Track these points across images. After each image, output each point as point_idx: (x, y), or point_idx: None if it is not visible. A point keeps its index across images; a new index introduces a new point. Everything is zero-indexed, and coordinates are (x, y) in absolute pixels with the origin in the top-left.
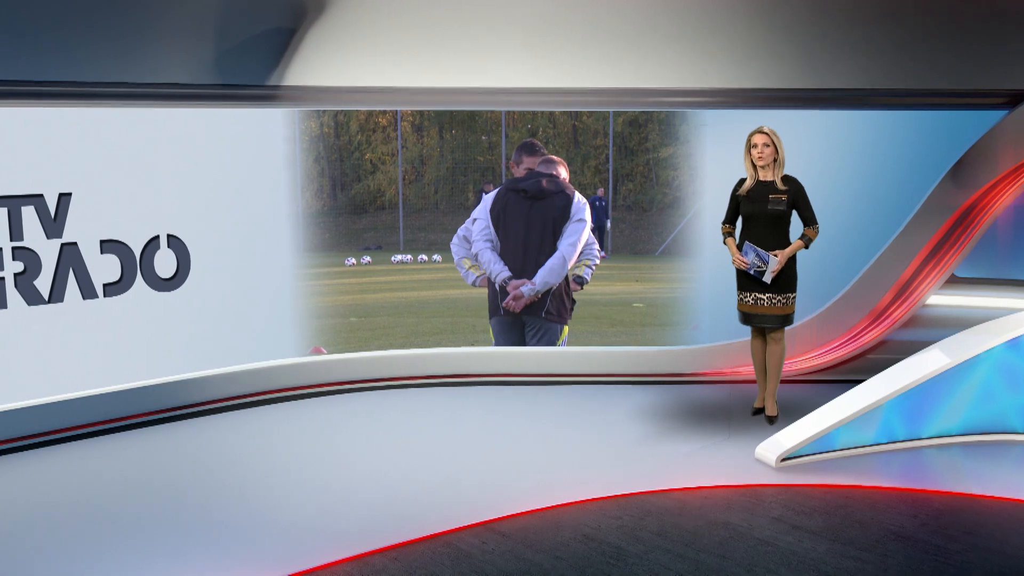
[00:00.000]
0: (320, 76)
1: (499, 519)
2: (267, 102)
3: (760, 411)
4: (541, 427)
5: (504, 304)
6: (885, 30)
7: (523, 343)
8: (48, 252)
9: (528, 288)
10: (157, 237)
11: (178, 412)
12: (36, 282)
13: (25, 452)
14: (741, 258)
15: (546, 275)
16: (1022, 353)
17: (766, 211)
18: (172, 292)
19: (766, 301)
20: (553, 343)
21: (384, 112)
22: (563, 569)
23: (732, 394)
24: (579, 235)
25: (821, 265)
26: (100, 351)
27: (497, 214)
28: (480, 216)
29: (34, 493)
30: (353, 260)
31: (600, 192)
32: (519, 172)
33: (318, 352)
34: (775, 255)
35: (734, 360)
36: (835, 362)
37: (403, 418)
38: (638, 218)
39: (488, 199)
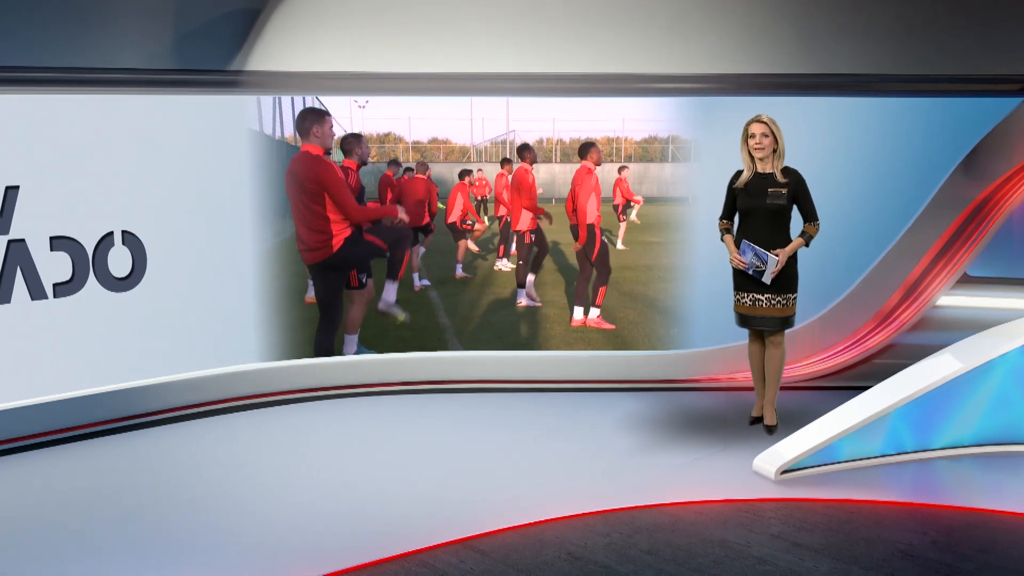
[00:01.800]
0: (285, 61)
1: (478, 536)
2: (229, 88)
3: (758, 420)
4: (523, 437)
5: None
6: (892, 10)
7: None
8: None
9: None
10: (111, 234)
11: (134, 421)
12: None
13: None
14: (739, 257)
15: None
16: None
17: (765, 205)
18: (127, 292)
19: (765, 302)
20: None
21: None
22: None
23: (728, 402)
24: None
25: (823, 264)
26: (49, 356)
27: None
28: None
29: None
30: None
31: None
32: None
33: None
34: (775, 255)
35: (730, 365)
36: (839, 367)
37: (376, 428)
38: None
39: None
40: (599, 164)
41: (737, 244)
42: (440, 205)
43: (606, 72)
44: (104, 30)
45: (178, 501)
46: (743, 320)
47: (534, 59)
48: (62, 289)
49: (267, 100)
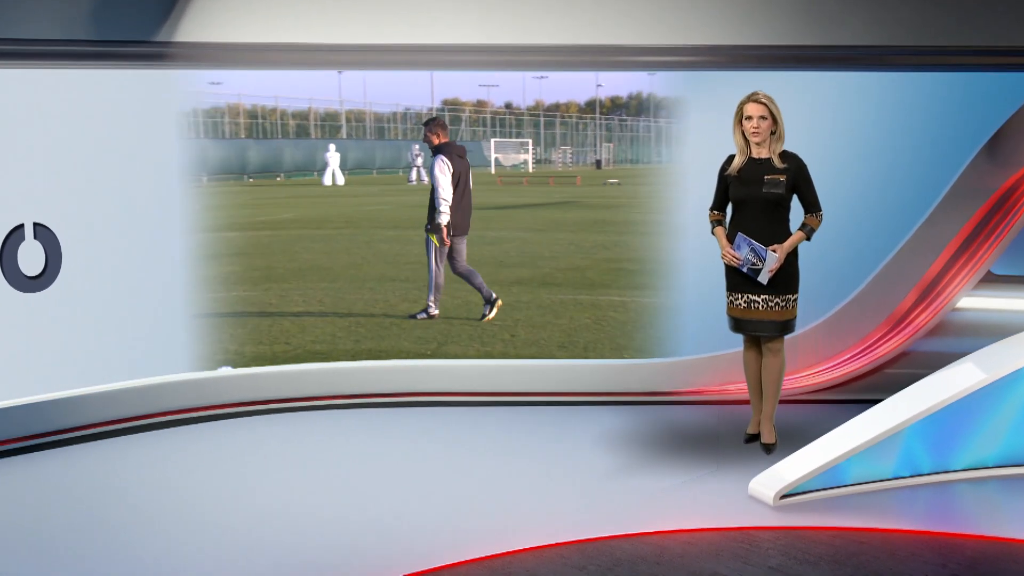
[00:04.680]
0: (219, 31)
1: (437, 569)
2: (155, 62)
3: (755, 437)
4: (489, 457)
5: None
6: None
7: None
8: None
9: None
10: (21, 226)
11: (45, 439)
12: None
13: None
14: (732, 252)
15: None
16: None
17: (761, 194)
18: (39, 292)
19: (761, 304)
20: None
21: None
22: None
23: (721, 417)
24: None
25: (828, 261)
26: None
27: None
28: None
29: None
30: None
31: None
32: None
33: None
34: (773, 250)
35: (723, 376)
36: (846, 378)
37: (322, 446)
38: None
39: None
40: None
41: (730, 238)
42: None
43: (585, 44)
44: None
45: (96, 530)
46: (737, 325)
47: (500, 28)
48: None
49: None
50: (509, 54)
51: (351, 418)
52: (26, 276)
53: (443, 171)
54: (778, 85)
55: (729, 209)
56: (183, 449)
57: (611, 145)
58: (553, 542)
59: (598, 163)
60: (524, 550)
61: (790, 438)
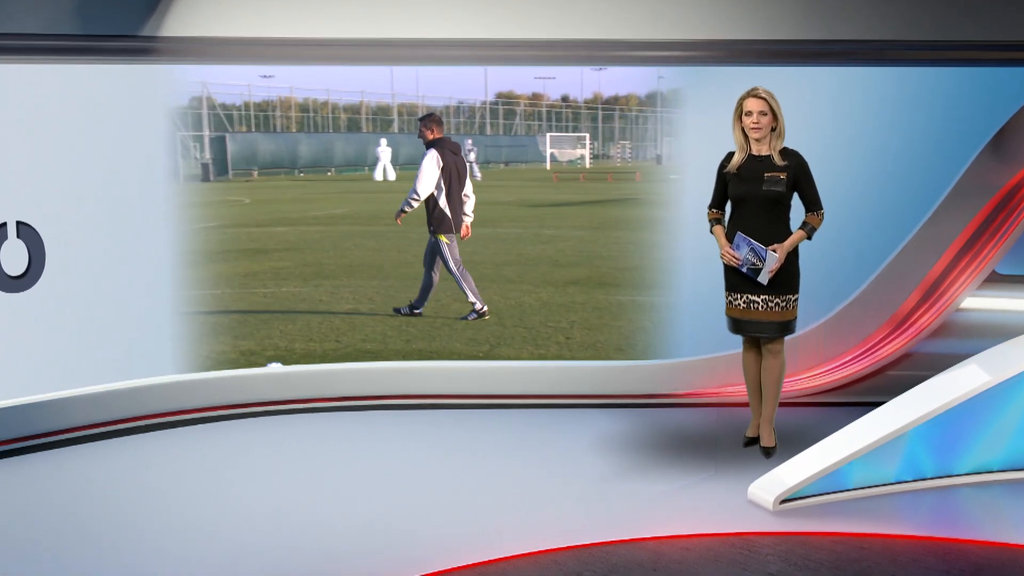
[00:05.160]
0: (205, 25)
1: (430, 575)
2: (141, 57)
3: (754, 441)
4: (482, 461)
5: None
6: None
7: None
8: None
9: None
10: (4, 225)
11: (30, 443)
12: None
13: None
14: (731, 252)
15: None
16: None
17: (760, 192)
18: (22, 293)
19: (761, 305)
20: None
21: None
22: None
23: (719, 420)
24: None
25: (829, 260)
26: None
27: None
28: None
29: None
30: None
31: None
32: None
33: None
34: (773, 250)
35: (722, 378)
36: (847, 380)
37: (312, 449)
38: None
39: None
40: None
41: (730, 237)
42: None
43: (581, 39)
44: None
45: (81, 535)
46: (736, 325)
47: (492, 22)
48: None
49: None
50: (505, 49)
51: (341, 421)
52: (9, 276)
53: (430, 166)
54: (778, 81)
55: (728, 207)
56: (170, 453)
57: (673, 139)
58: (548, 547)
59: (659, 158)
60: (519, 556)
61: (790, 441)
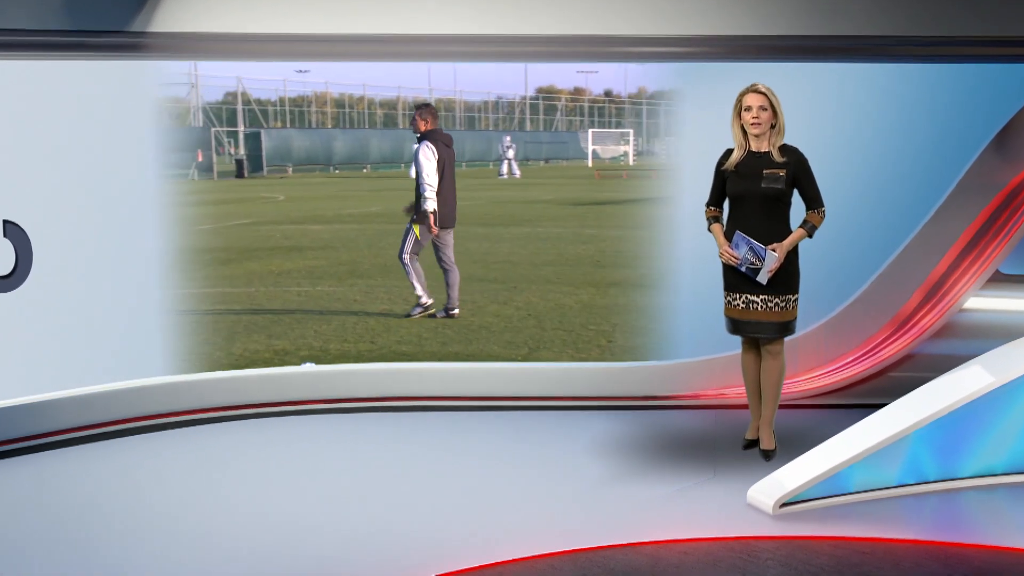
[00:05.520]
0: (195, 21)
1: None
2: (130, 52)
3: (754, 443)
4: (477, 464)
5: None
6: None
7: None
8: None
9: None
10: None
11: (16, 445)
12: None
13: None
14: (730, 251)
15: None
16: None
17: (759, 190)
18: (9, 293)
19: (760, 305)
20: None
21: None
22: None
23: (718, 422)
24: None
25: (830, 260)
26: None
27: None
28: None
29: None
30: None
31: None
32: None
33: None
34: (772, 249)
35: (720, 379)
36: (848, 382)
37: (305, 452)
38: None
39: None
40: None
41: (728, 235)
42: None
43: (577, 34)
44: None
45: (69, 540)
46: (735, 326)
47: (491, 18)
48: None
49: None
50: (500, 44)
51: (333, 423)
52: None
53: (427, 157)
54: (778, 77)
55: (727, 205)
56: (159, 456)
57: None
58: (544, 552)
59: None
60: (514, 560)
61: (790, 444)
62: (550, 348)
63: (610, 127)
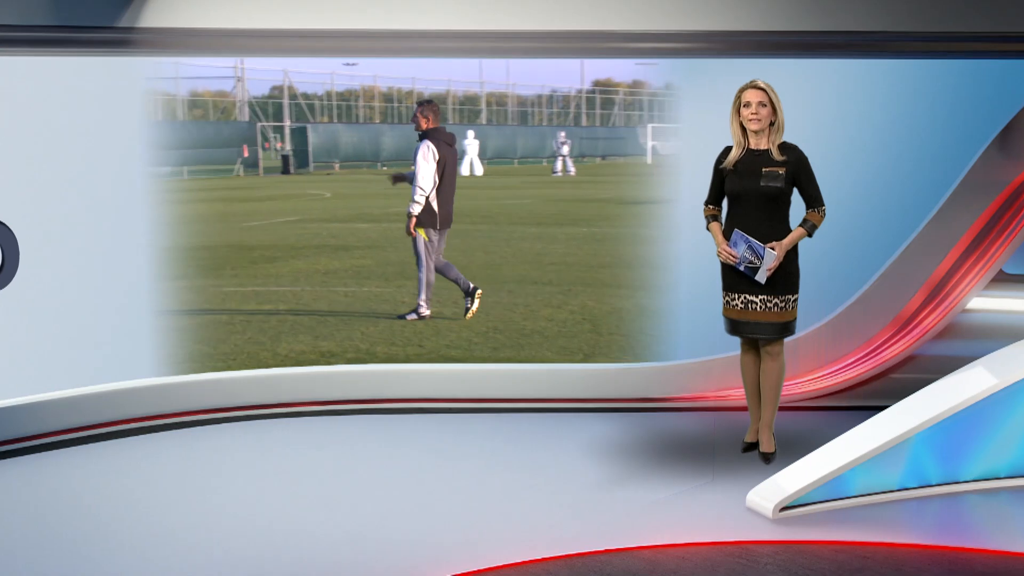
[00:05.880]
0: (184, 16)
1: None
2: (118, 48)
3: (753, 446)
4: (472, 467)
5: None
6: None
7: None
8: None
9: None
10: None
11: (2, 448)
12: None
13: None
14: (728, 249)
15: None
16: None
17: (758, 188)
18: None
19: (760, 305)
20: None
21: None
22: None
23: (717, 425)
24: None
25: (830, 259)
26: None
27: None
28: None
29: None
30: None
31: None
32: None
33: None
34: (772, 248)
35: (719, 381)
36: (849, 383)
37: (295, 455)
38: None
39: None
40: None
41: (727, 234)
42: None
43: (572, 30)
44: None
45: (56, 544)
46: (734, 327)
47: (487, 14)
48: None
49: None
50: (493, 40)
51: (324, 426)
52: None
53: (427, 158)
54: (777, 73)
55: (725, 204)
56: (147, 459)
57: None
58: (540, 557)
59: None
60: (509, 565)
61: (790, 447)
62: (607, 354)
63: (671, 122)
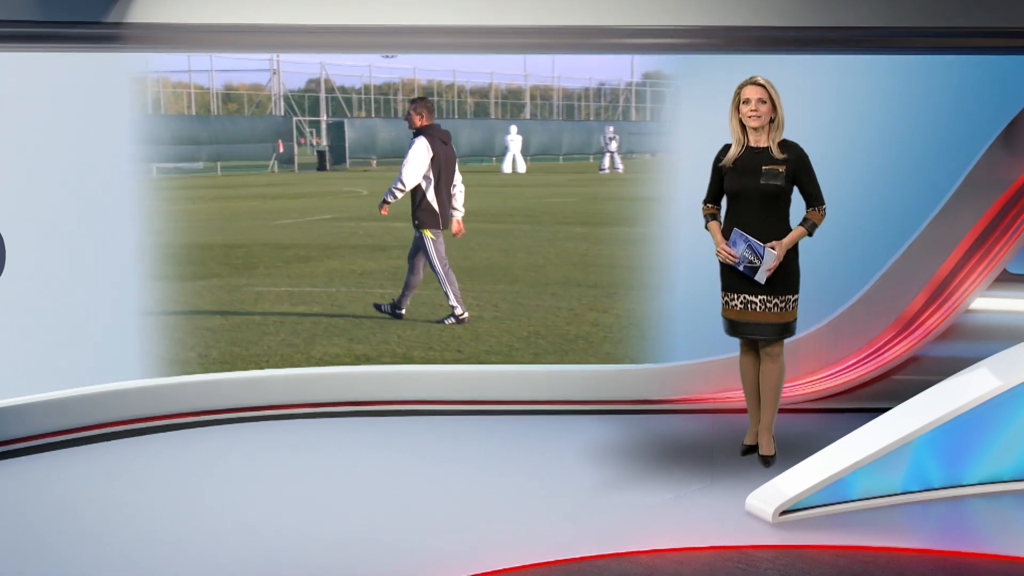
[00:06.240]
0: (173, 11)
1: None
2: (106, 44)
3: (752, 449)
4: (466, 470)
5: None
6: None
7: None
8: None
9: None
10: None
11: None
12: None
13: None
14: (727, 249)
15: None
16: None
17: (758, 186)
18: None
19: (759, 305)
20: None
21: None
22: None
23: (716, 427)
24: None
25: (831, 258)
26: None
27: None
28: None
29: None
30: None
31: None
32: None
33: None
34: (772, 247)
35: (718, 382)
36: (850, 385)
37: (286, 458)
38: None
39: None
40: None
41: (726, 233)
42: None
43: (568, 25)
44: None
45: (43, 548)
46: (733, 327)
47: (478, 10)
48: None
49: None
50: (486, 36)
51: (317, 428)
52: None
53: (418, 154)
54: (777, 70)
55: (724, 203)
56: (137, 462)
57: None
58: (536, 562)
59: None
60: (505, 570)
61: (791, 450)
62: (652, 360)
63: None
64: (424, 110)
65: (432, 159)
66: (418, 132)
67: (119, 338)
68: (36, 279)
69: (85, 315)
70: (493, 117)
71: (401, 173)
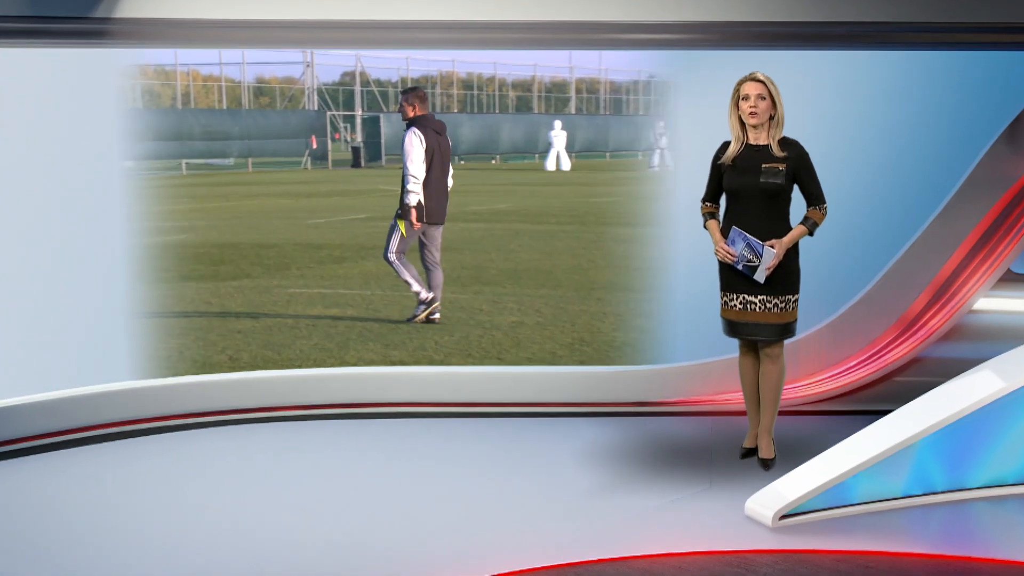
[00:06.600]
0: (162, 6)
1: None
2: (93, 40)
3: (752, 452)
4: (460, 474)
5: None
6: None
7: None
8: None
9: None
10: None
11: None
12: None
13: None
14: (726, 248)
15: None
16: None
17: (758, 185)
18: None
19: (759, 305)
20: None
21: None
22: None
23: (715, 429)
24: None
25: (832, 258)
26: None
27: None
28: None
29: None
30: None
31: None
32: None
33: None
34: (771, 246)
35: (717, 384)
36: (852, 387)
37: (278, 461)
38: None
39: None
40: None
41: (725, 232)
42: None
43: (564, 20)
44: None
45: (30, 551)
46: (732, 328)
47: (477, 5)
48: None
49: None
50: (482, 31)
51: (309, 431)
52: None
53: (414, 145)
54: (777, 66)
55: (723, 201)
56: (127, 464)
57: None
58: (531, 567)
59: None
60: (501, 575)
61: (791, 453)
62: None
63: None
64: (416, 100)
65: (425, 150)
66: (411, 123)
67: (127, 340)
68: (38, 280)
69: (94, 317)
70: (536, 112)
71: (407, 169)
